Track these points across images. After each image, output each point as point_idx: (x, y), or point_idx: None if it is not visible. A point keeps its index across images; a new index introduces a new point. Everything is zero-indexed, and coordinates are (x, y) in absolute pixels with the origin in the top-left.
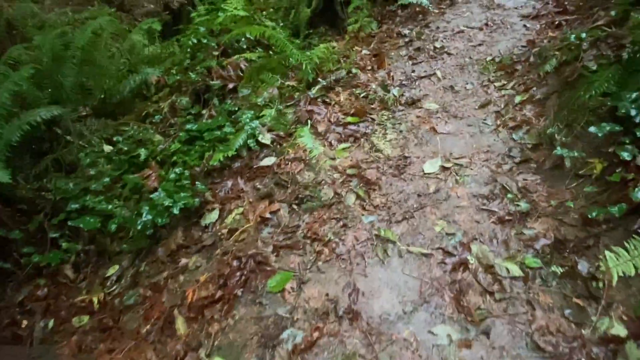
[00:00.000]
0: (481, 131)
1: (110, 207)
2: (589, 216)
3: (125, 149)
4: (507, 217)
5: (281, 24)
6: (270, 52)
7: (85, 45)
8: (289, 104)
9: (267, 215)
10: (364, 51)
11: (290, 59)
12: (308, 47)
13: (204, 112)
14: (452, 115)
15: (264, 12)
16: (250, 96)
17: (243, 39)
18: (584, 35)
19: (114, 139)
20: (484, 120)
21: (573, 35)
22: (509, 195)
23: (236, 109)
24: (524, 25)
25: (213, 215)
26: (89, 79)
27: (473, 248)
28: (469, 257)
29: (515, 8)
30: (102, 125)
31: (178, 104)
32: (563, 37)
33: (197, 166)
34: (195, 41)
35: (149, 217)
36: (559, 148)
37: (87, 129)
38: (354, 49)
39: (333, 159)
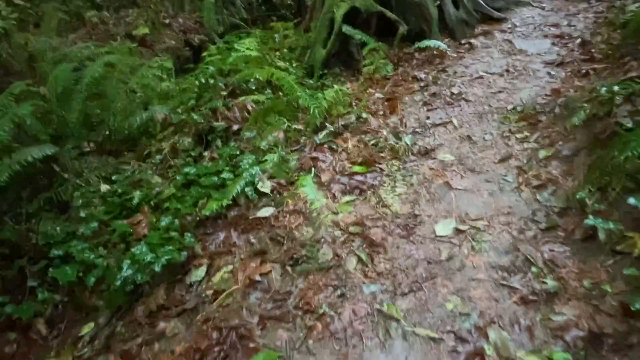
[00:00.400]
0: (501, 189)
1: (92, 256)
2: (631, 307)
3: (120, 190)
4: (531, 297)
5: (295, 65)
6: (280, 94)
7: (96, 79)
8: (293, 149)
9: (257, 277)
10: (377, 94)
11: (300, 101)
12: (321, 88)
13: (205, 154)
14: (469, 169)
15: (278, 52)
16: (254, 139)
17: (252, 80)
18: (616, 87)
19: (113, 177)
20: (504, 176)
21: (604, 88)
22: (534, 269)
23: (238, 152)
24: (548, 73)
25: (200, 273)
26: (97, 114)
27: (490, 334)
28: (485, 346)
29: (539, 54)
30: (102, 163)
31: (179, 145)
32: (592, 88)
33: (189, 214)
34: (203, 81)
35: (130, 272)
36: (591, 217)
37: (87, 167)
38: (367, 91)
39: (335, 213)
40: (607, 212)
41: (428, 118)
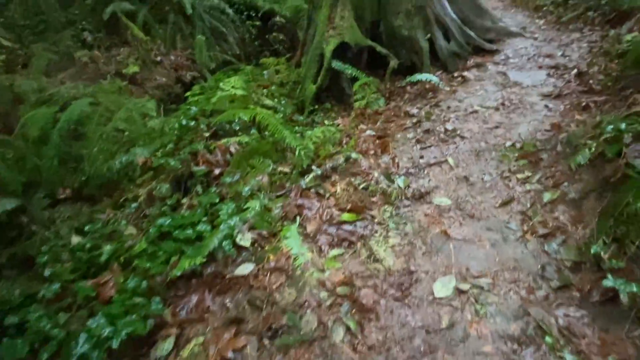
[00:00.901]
0: (505, 238)
1: (49, 326)
2: None
3: (89, 245)
4: None
5: (285, 101)
6: (266, 134)
7: (75, 121)
8: (279, 194)
9: (230, 354)
10: (369, 131)
11: (286, 141)
12: (311, 125)
13: (184, 200)
14: (468, 215)
15: (266, 90)
16: (236, 184)
17: (237, 120)
18: (623, 125)
19: (86, 228)
20: (507, 223)
21: (610, 126)
22: (548, 339)
23: (218, 199)
24: (546, 106)
25: (167, 345)
26: (75, 157)
27: None
28: None
29: (534, 86)
30: (75, 212)
31: (157, 192)
32: (595, 123)
33: (160, 274)
34: (183, 122)
35: (86, 347)
36: (609, 276)
37: (59, 216)
38: (358, 127)
39: (321, 270)
40: (628, 269)
41: (422, 157)
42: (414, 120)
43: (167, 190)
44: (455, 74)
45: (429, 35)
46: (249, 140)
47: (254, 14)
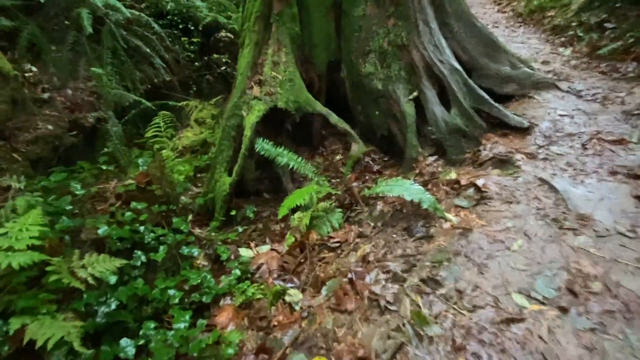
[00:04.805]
0: None
1: None
2: None
3: None
4: None
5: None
6: None
7: None
8: None
9: None
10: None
11: None
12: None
13: None
14: None
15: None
16: None
17: None
18: None
19: None
20: None
21: None
22: None
23: None
24: None
25: None
26: None
27: None
28: None
29: (621, 235)
30: None
31: None
32: None
33: None
34: None
35: None
36: None
37: None
38: (283, 298)
39: None
40: None
41: None
42: (391, 339)
43: None
44: (463, 180)
45: (415, 94)
46: None
47: (192, 28)
